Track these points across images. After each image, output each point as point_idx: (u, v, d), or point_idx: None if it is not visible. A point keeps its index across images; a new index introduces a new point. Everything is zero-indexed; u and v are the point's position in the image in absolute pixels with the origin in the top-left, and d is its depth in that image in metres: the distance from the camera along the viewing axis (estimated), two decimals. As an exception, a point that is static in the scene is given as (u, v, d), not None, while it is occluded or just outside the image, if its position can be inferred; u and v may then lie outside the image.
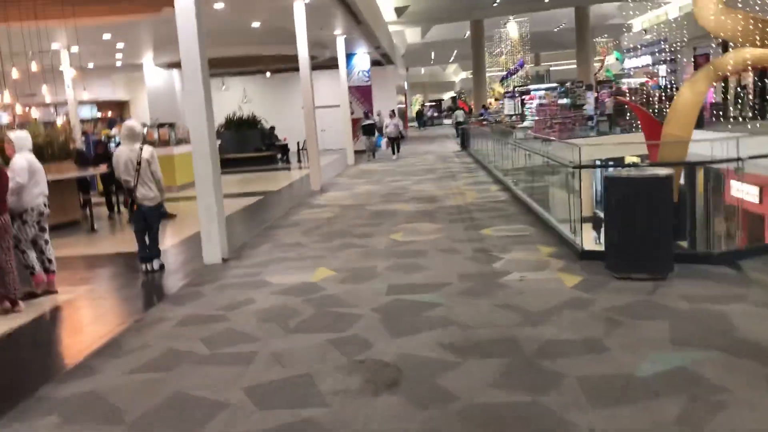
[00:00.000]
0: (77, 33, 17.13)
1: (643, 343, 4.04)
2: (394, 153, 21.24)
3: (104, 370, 4.26)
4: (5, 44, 11.73)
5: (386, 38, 27.39)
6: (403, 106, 50.00)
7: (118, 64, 25.04)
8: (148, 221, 7.10)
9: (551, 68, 59.01)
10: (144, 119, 26.21)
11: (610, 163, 16.96)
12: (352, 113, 23.99)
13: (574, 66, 54.64)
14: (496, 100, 51.34)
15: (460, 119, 37.88)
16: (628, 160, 18.50)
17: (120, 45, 20.28)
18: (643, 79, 29.90)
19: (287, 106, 25.95)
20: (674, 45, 27.84)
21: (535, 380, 3.62)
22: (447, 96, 72.62)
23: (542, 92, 30.03)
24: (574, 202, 6.62)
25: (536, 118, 27.00)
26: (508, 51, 43.41)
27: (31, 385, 4.07)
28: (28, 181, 6.14)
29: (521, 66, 41.23)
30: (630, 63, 35.56)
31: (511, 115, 30.64)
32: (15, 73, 11.93)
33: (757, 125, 17.52)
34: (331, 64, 22.78)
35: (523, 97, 31.81)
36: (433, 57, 60.41)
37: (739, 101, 23.42)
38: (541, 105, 28.04)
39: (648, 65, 32.90)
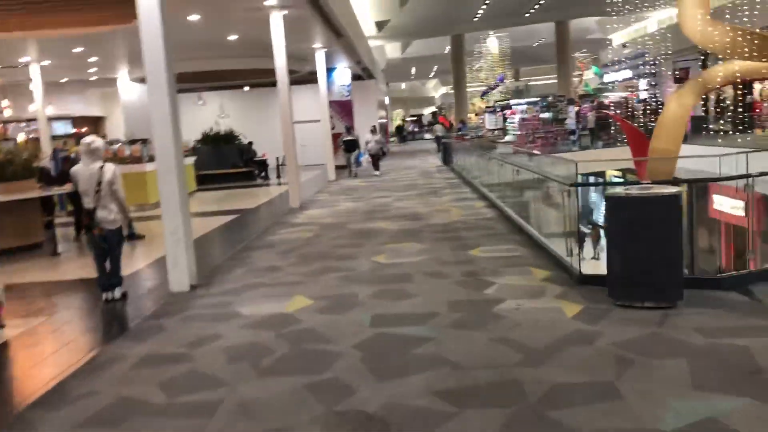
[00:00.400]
0: (47, 46, 16.57)
1: (661, 388, 3.55)
2: (375, 169, 20.85)
3: (41, 426, 3.67)
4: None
5: (367, 53, 27.04)
6: (385, 120, 49.75)
7: (93, 78, 24.39)
8: (109, 246, 6.51)
9: (531, 83, 59.31)
10: (119, 135, 25.56)
11: (613, 179, 16.61)
12: (332, 128, 23.52)
13: (554, 81, 54.88)
14: (476, 114, 51.39)
15: (439, 134, 37.75)
16: (610, 174, 18.24)
17: (93, 59, 19.66)
18: (626, 93, 29.87)
19: (266, 121, 25.40)
20: (655, 59, 27.85)
21: (544, 436, 3.11)
22: (427, 111, 72.61)
23: (524, 107, 29.90)
24: (570, 223, 6.16)
25: (518, 132, 26.79)
26: (488, 66, 43.40)
27: (-47, 446, 3.48)
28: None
29: (501, 81, 41.20)
30: (610, 77, 35.59)
31: (493, 130, 30.45)
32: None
33: (739, 139, 17.31)
34: (312, 78, 22.32)
35: (505, 111, 31.66)
36: (413, 72, 60.37)
37: (726, 114, 23.32)
38: (523, 119, 27.86)
39: (628, 79, 32.92)
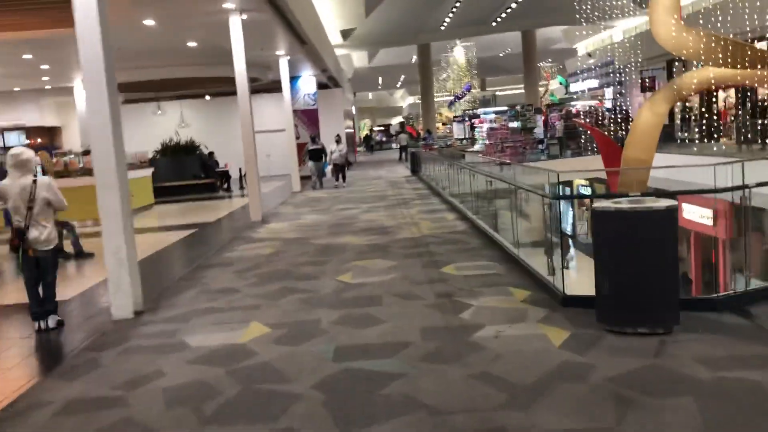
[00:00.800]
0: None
1: (671, 436, 3.06)
2: (338, 180, 19.98)
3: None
4: None
5: (333, 61, 26.52)
6: (352, 130, 49.28)
7: (47, 87, 23.34)
8: (42, 270, 5.81)
9: (497, 93, 59.54)
10: (77, 146, 24.50)
11: (580, 189, 16.30)
12: (297, 137, 22.90)
13: (520, 91, 55.18)
14: (443, 124, 51.29)
15: (404, 143, 37.51)
16: (577, 184, 18.00)
17: (44, 66, 18.71)
18: (594, 102, 29.93)
19: (228, 130, 24.61)
20: (624, 67, 27.95)
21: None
22: (395, 121, 72.43)
23: (492, 116, 29.68)
24: (552, 239, 5.67)
25: (487, 141, 26.53)
26: (454, 76, 43.33)
27: None
28: None
29: (468, 90, 41.12)
30: (576, 86, 35.71)
31: (461, 139, 30.16)
32: None
33: (715, 147, 17.25)
34: (276, 86, 21.69)
35: (473, 120, 31.44)
36: (380, 82, 60.11)
37: (692, 122, 23.42)
38: (491, 128, 27.63)
39: (594, 89, 33.05)
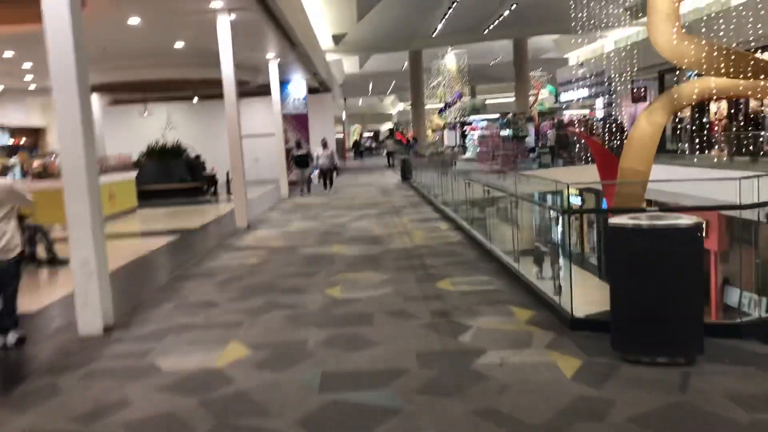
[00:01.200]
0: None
1: (714, 494, 2.62)
2: (326, 187, 19.31)
3: None
4: None
5: (323, 65, 26.10)
6: (342, 135, 48.86)
7: (32, 87, 22.73)
8: (1, 281, 5.31)
9: (487, 101, 59.43)
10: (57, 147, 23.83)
11: (573, 199, 15.93)
12: (287, 142, 22.43)
13: (510, 99, 55.08)
14: (433, 131, 51.05)
15: (390, 149, 37.31)
16: (568, 193, 17.64)
17: (27, 65, 18.15)
18: (586, 111, 29.73)
19: (216, 133, 24.06)
20: (622, 76, 27.74)
21: None
22: (385, 127, 72.20)
23: (484, 123, 29.42)
24: (560, 257, 5.24)
25: (479, 149, 26.20)
26: (445, 83, 43.11)
27: None
28: None
29: (459, 98, 40.88)
30: (567, 96, 35.51)
31: (452, 147, 29.86)
32: None
33: (715, 159, 16.98)
34: (266, 90, 21.18)
35: (465, 128, 31.14)
36: (371, 88, 59.81)
37: (684, 134, 23.20)
38: (483, 136, 27.32)
39: (585, 98, 32.85)
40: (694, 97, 10.20)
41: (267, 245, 9.96)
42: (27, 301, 5.78)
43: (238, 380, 4.25)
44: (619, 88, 26.93)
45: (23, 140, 27.05)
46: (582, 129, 23.01)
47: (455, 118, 37.74)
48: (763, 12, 11.41)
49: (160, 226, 13.76)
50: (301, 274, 7.60)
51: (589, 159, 19.67)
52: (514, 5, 26.92)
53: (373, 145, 60.69)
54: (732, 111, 20.77)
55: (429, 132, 48.17)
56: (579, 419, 3.38)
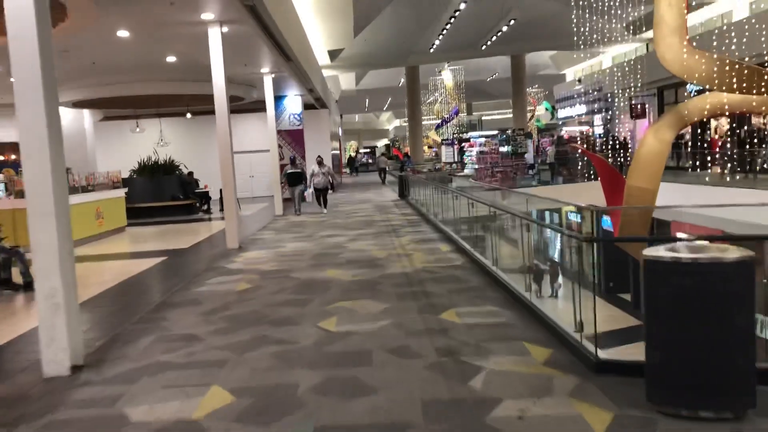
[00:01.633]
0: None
1: None
2: (320, 206, 18.22)
3: None
4: None
5: (319, 81, 25.70)
6: (338, 152, 48.50)
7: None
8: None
9: (483, 117, 59.29)
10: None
11: (570, 216, 15.34)
12: (281, 159, 21.97)
13: (506, 116, 54.97)
14: (429, 147, 50.74)
15: (382, 165, 37.18)
16: (566, 210, 17.14)
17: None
18: (585, 127, 29.40)
19: (209, 150, 23.55)
20: (610, 94, 27.44)
21: None
22: (381, 143, 72.02)
23: (482, 140, 29.03)
24: (579, 289, 4.70)
25: (477, 166, 25.79)
26: (442, 99, 42.88)
27: None
28: None
29: (456, 114, 40.61)
30: (564, 112, 35.22)
31: (450, 163, 29.45)
32: None
33: (728, 178, 16.56)
34: (261, 106, 20.75)
35: (463, 144, 30.76)
36: (367, 104, 59.65)
37: (685, 150, 22.85)
38: (481, 153, 26.93)
39: (582, 114, 32.55)
40: (706, 112, 9.75)
41: (258, 268, 9.40)
42: (-9, 335, 5.23)
43: (217, 436, 3.69)
44: (620, 104, 26.59)
45: (12, 157, 26.51)
46: (585, 146, 22.57)
47: (452, 134, 37.40)
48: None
49: (149, 246, 13.19)
50: (293, 302, 7.05)
51: (592, 176, 19.25)
52: (513, 21, 26.64)
53: (370, 161, 60.38)
54: (733, 127, 20.40)
55: (426, 148, 47.86)
56: (621, 495, 2.83)
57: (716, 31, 14.22)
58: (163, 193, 20.42)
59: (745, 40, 10.94)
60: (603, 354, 4.37)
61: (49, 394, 4.59)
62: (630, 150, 22.15)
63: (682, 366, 3.58)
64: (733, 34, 10.82)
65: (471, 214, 10.04)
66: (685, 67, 8.66)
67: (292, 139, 24.47)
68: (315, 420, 3.84)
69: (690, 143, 23.92)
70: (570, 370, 4.43)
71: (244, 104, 23.17)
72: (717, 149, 21.63)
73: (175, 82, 18.71)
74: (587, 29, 17.76)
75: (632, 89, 22.85)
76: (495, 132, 31.17)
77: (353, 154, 62.89)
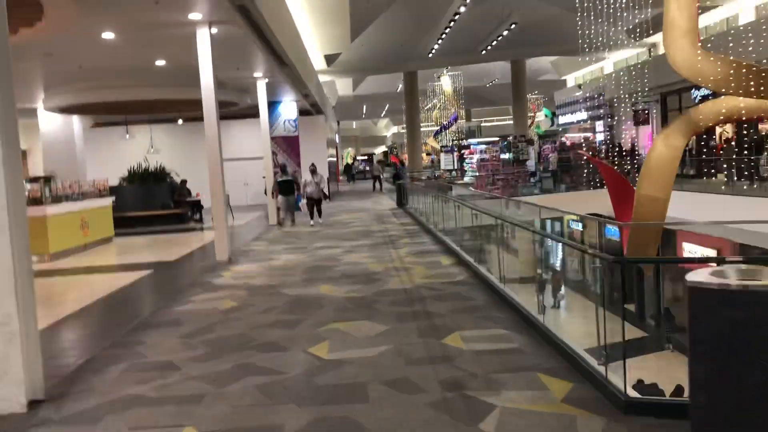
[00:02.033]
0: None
1: None
2: (313, 217, 16.87)
3: None
4: None
5: (315, 86, 25.19)
6: (335, 159, 48.00)
7: (11, 108, 21.66)
8: None
9: (482, 124, 58.85)
10: (38, 171, 22.75)
11: (572, 224, 14.71)
12: (275, 166, 21.39)
13: (505, 122, 54.53)
14: (427, 154, 50.25)
15: (376, 173, 36.89)
16: (568, 219, 16.61)
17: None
18: (589, 134, 28.92)
19: (202, 157, 22.95)
20: (612, 100, 26.98)
21: None
22: (378, 150, 71.57)
23: (483, 146, 28.52)
24: (603, 317, 4.13)
25: (478, 173, 25.26)
26: (441, 105, 42.43)
27: None
28: None
29: (455, 120, 40.14)
30: (565, 119, 34.74)
31: (450, 170, 28.93)
32: None
33: (745, 186, 16.04)
34: (255, 112, 20.20)
35: (463, 151, 30.24)
36: (364, 110, 59.16)
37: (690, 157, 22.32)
38: (482, 160, 26.41)
39: (583, 120, 32.08)
40: (721, 117, 9.21)
41: (247, 283, 8.81)
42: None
43: (184, 498, 3.11)
44: (623, 110, 26.12)
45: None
46: (591, 153, 22.06)
47: (451, 141, 36.89)
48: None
49: (134, 258, 12.61)
50: (283, 323, 6.46)
51: (598, 184, 18.72)
52: (513, 25, 26.15)
53: (367, 168, 59.94)
54: (741, 133, 19.92)
55: (424, 155, 47.36)
56: None
57: (732, 31, 13.73)
58: (153, 201, 19.84)
59: (762, 41, 10.44)
60: (631, 390, 3.79)
61: (-3, 437, 4.01)
62: (638, 157, 21.60)
63: (732, 408, 3.01)
64: (750, 34, 10.33)
65: (474, 225, 9.48)
66: (696, 70, 8.15)
67: (287, 145, 23.93)
68: (300, 476, 3.26)
69: (694, 150, 23.45)
70: (595, 408, 3.85)
71: (238, 110, 22.63)
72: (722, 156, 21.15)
73: (165, 87, 18.12)
74: (589, 33, 17.29)
75: (636, 95, 22.35)
76: (496, 138, 30.61)
77: (350, 162, 62.44)
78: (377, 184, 35.22)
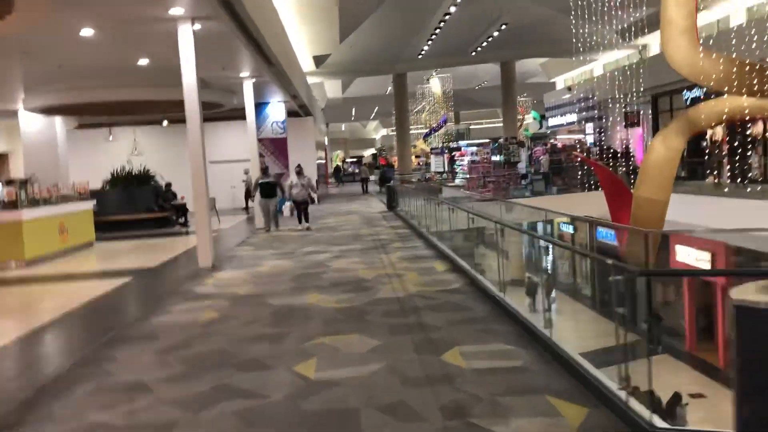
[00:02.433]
0: None
1: None
2: (300, 222, 15.97)
3: None
4: None
5: (304, 87, 24.71)
6: (324, 161, 47.56)
7: (-8, 109, 21.05)
8: None
9: (471, 126, 58.59)
10: (19, 174, 22.11)
11: (563, 227, 14.38)
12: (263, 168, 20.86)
13: (494, 125, 54.24)
14: (417, 157, 49.88)
15: (364, 175, 36.61)
16: (559, 222, 16.20)
17: (-15, 86, 16.57)
18: (580, 136, 28.66)
19: (187, 160, 22.52)
20: (603, 102, 26.71)
21: None
22: (368, 153, 71.20)
23: (474, 148, 28.17)
24: (627, 338, 3.69)
25: (468, 175, 24.86)
26: (430, 107, 42.11)
27: None
28: None
29: (444, 122, 39.81)
30: (554, 121, 34.50)
31: (440, 172, 28.52)
32: None
33: (749, 189, 15.70)
34: (242, 114, 19.67)
35: (454, 153, 29.88)
36: (354, 113, 58.75)
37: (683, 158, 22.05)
38: (473, 162, 26.01)
39: (573, 123, 31.83)
40: (724, 117, 8.82)
41: (230, 292, 8.32)
42: None
43: None
44: (614, 112, 25.85)
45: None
46: (585, 155, 21.74)
47: (441, 143, 36.59)
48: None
49: (114, 264, 12.08)
50: (267, 337, 5.98)
51: (592, 186, 18.38)
52: (504, 25, 25.82)
53: (357, 170, 59.56)
54: (735, 135, 19.68)
55: (413, 158, 47.00)
56: None
57: (734, 28, 13.39)
58: (137, 205, 19.28)
59: (766, 38, 10.11)
60: (660, 421, 3.35)
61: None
62: (633, 158, 21.28)
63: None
64: (753, 31, 9.99)
65: (470, 228, 9.06)
66: (699, 69, 7.78)
67: (275, 147, 23.42)
68: None
69: (685, 152, 23.20)
70: (616, 440, 3.42)
71: (225, 111, 22.09)
72: (717, 157, 20.91)
73: (149, 87, 17.55)
74: (581, 34, 16.96)
75: (628, 97, 22.06)
76: (487, 140, 30.23)
77: (340, 164, 61.97)
78: (365, 186, 34.81)
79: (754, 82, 7.51)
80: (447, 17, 24.45)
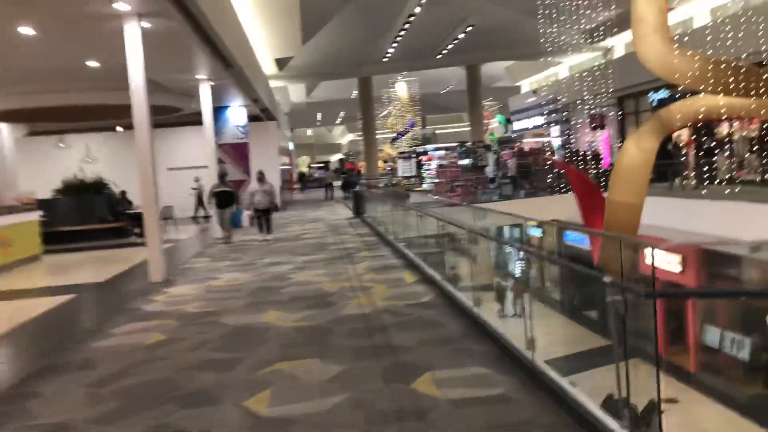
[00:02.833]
0: None
1: None
2: (261, 230, 14.81)
3: None
4: None
5: (266, 91, 24.00)
6: (289, 167, 46.74)
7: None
8: None
9: (437, 131, 58.45)
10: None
11: (531, 231, 13.98)
12: (224, 174, 20.07)
13: (460, 129, 54.18)
14: (384, 161, 49.41)
15: (329, 181, 36.19)
16: (528, 224, 15.87)
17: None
18: (547, 138, 28.53)
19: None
20: (568, 105, 26.62)
21: None
22: (334, 158, 70.48)
23: (441, 152, 27.80)
24: (627, 370, 3.17)
25: (436, 180, 24.43)
26: (397, 111, 41.69)
27: None
28: None
29: (411, 127, 39.43)
30: (520, 124, 34.42)
31: (408, 177, 28.01)
32: None
33: (728, 190, 15.52)
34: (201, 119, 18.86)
35: (421, 157, 29.45)
36: (319, 118, 58.08)
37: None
38: (441, 166, 25.58)
39: (538, 126, 31.76)
40: (700, 116, 8.51)
41: (181, 310, 7.62)
42: None
43: None
44: (579, 114, 25.74)
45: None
46: (535, 158, 21.52)
47: (409, 148, 36.22)
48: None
49: (60, 279, 11.21)
50: (216, 364, 5.34)
51: (562, 189, 18.10)
52: (470, 27, 25.53)
53: (323, 176, 58.83)
54: (701, 136, 19.64)
55: (380, 162, 46.52)
56: None
57: (709, 25, 13.19)
58: (90, 215, 18.27)
59: (741, 35, 9.87)
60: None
61: None
62: (602, 161, 21.11)
63: None
64: (729, 28, 9.75)
65: (440, 235, 8.53)
66: (672, 67, 7.44)
67: (236, 153, 22.65)
68: None
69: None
70: (621, 492, 2.89)
71: (185, 116, 21.24)
72: (683, 159, 20.87)
73: (100, 91, 16.65)
74: (546, 36, 16.68)
75: (593, 99, 21.91)
76: (454, 144, 29.88)
77: (306, 170, 61.16)
78: (329, 193, 34.25)
79: (731, 80, 7.19)
80: (412, 18, 24.07)
